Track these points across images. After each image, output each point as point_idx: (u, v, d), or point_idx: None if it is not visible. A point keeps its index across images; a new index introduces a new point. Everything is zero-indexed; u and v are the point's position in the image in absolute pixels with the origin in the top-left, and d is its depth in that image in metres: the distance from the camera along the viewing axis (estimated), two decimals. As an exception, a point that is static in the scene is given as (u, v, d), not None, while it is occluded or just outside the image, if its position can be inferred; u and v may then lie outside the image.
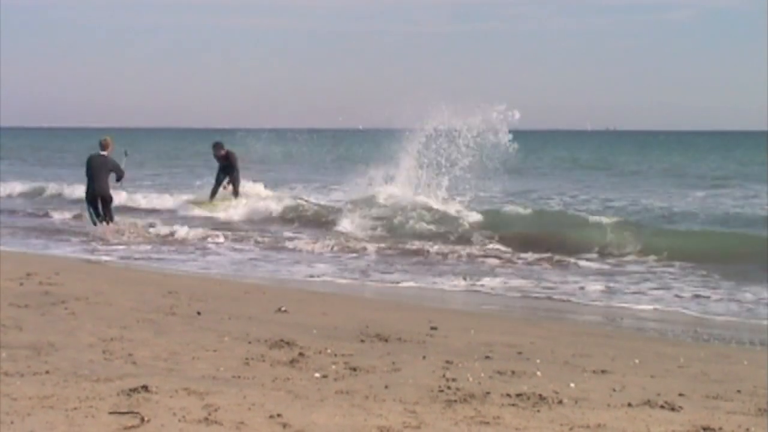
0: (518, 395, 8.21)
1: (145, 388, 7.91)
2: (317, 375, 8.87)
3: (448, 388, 8.43)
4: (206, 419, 7.12)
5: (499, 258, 22.16)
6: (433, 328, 12.09)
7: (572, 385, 8.78)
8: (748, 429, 7.40)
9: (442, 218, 28.61)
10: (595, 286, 17.98)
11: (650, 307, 15.94)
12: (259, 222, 30.12)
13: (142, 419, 7.07)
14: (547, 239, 24.69)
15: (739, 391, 8.88)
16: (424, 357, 9.96)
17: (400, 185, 32.13)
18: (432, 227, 27.68)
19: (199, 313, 12.41)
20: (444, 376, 8.98)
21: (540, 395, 8.22)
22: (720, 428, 7.40)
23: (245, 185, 32.41)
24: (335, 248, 23.70)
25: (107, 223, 26.23)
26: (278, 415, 7.27)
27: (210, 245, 24.26)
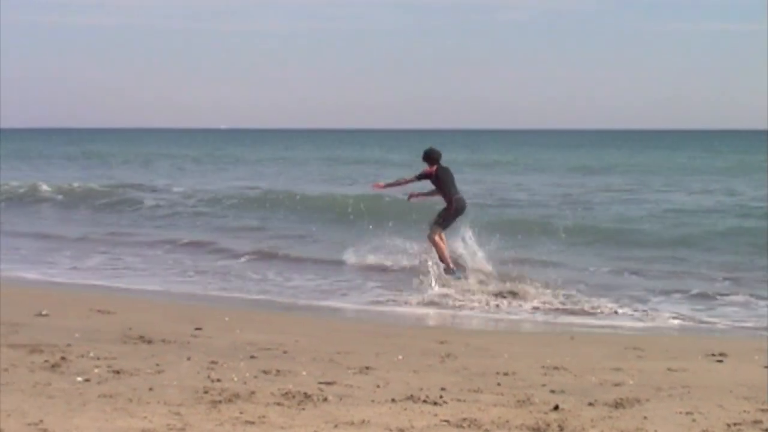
0: (283, 394, 8.25)
1: None
2: (79, 379, 8.70)
3: (213, 388, 8.40)
4: (-38, 428, 6.90)
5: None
6: (197, 329, 12.02)
7: (337, 382, 8.87)
8: (507, 420, 7.62)
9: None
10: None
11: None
12: None
13: None
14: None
15: (499, 384, 9.14)
16: (188, 358, 9.89)
17: None
18: None
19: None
20: (209, 376, 8.94)
21: (305, 393, 8.27)
22: (480, 420, 7.60)
23: None
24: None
25: None
26: (39, 422, 7.11)
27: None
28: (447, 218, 18.06)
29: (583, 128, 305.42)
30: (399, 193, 20.69)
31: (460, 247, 18.89)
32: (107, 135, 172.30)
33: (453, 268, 17.95)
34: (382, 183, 19.12)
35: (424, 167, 18.18)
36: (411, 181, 18.26)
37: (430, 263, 17.94)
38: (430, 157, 18.15)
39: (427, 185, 18.40)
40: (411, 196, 18.98)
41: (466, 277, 17.88)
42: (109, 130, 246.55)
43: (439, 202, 18.38)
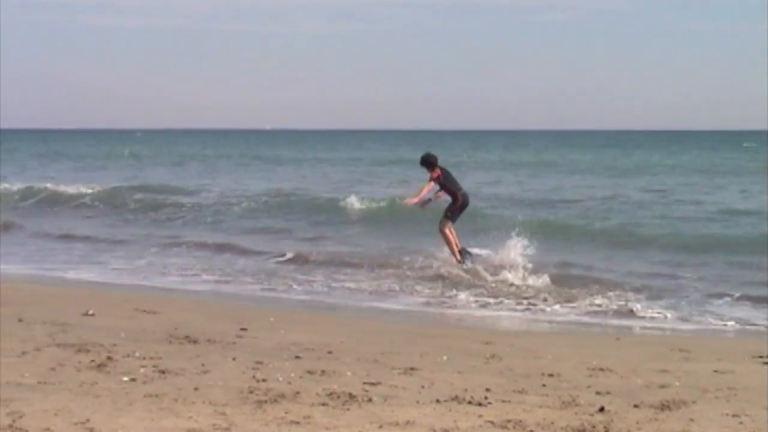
0: (328, 394, 8.26)
1: (-55, 396, 7.69)
2: (125, 379, 8.75)
3: (258, 388, 8.43)
4: (10, 426, 6.95)
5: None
6: (242, 329, 12.06)
7: (382, 382, 8.88)
8: (552, 422, 7.59)
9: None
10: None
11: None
12: None
13: (-57, 428, 6.87)
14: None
15: (544, 385, 9.12)
16: (233, 358, 9.92)
17: None
18: None
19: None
20: (254, 377, 8.97)
21: (350, 393, 8.28)
22: (525, 421, 7.58)
23: None
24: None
25: None
26: (86, 421, 7.15)
27: None
28: (454, 212, 20.19)
29: (588, 129, 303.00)
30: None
31: (508, 249, 19.08)
32: (124, 136, 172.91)
33: (462, 257, 19.80)
34: (414, 199, 20.56)
35: (427, 173, 20.13)
36: (432, 187, 20.14)
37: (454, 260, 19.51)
38: (430, 162, 20.26)
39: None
40: (422, 205, 20.63)
41: (473, 262, 19.63)
42: (114, 131, 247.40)
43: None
